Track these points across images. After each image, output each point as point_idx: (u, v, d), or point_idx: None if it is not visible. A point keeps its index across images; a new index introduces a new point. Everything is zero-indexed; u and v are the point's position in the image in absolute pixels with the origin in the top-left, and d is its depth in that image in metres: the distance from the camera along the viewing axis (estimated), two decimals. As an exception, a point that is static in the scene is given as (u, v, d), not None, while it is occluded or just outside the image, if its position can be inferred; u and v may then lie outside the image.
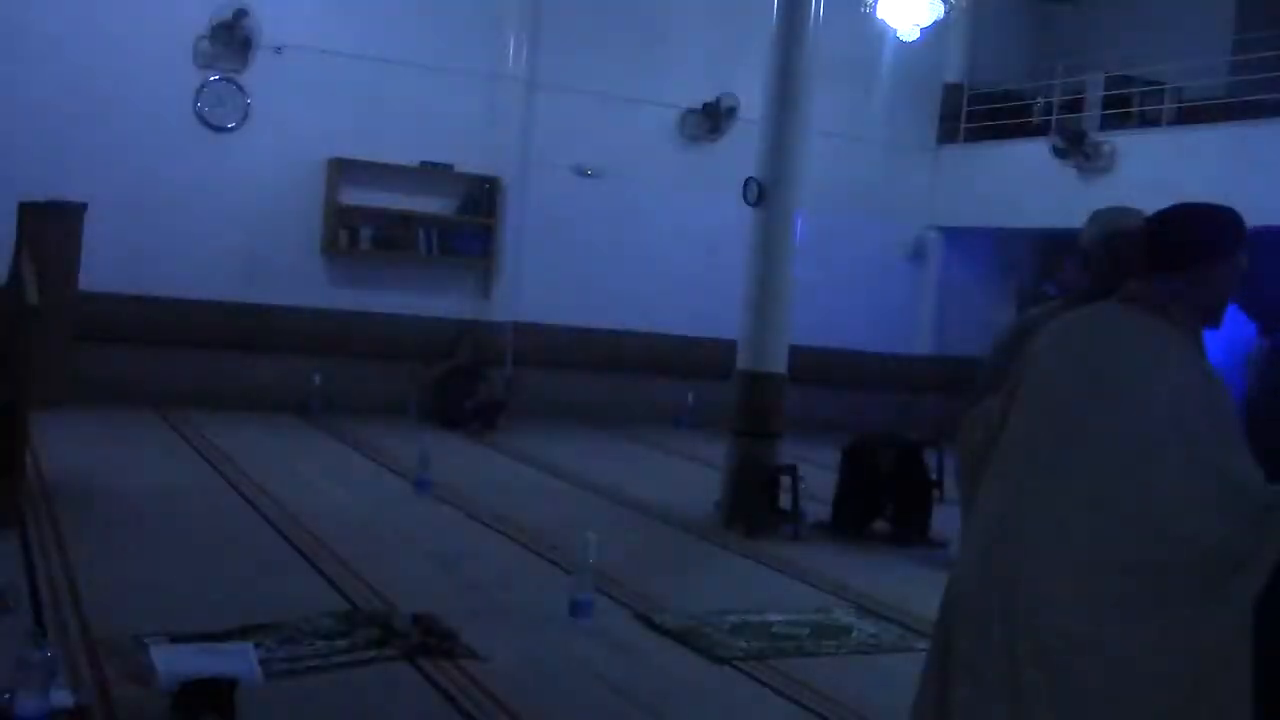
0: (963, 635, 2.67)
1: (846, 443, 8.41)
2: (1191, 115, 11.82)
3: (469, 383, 11.34)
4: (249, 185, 10.87)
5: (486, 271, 11.82)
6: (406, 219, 11.47)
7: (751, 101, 9.59)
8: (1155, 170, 11.23)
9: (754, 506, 7.81)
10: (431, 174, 11.53)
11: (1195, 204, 2.83)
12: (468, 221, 11.71)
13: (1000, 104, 13.46)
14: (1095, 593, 2.52)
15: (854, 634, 5.62)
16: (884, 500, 8.13)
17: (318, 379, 11.09)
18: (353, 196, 11.24)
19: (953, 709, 2.67)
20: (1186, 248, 2.75)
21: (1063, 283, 3.73)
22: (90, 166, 9.98)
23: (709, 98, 12.46)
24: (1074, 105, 12.96)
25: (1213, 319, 2.75)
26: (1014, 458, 2.71)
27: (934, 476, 8.44)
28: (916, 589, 6.16)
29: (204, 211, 10.69)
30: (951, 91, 13.77)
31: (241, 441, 9.27)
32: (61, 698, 3.68)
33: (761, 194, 8.13)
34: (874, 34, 12.35)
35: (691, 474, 9.86)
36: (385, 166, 11.26)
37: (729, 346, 8.60)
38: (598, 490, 8.79)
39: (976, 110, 13.52)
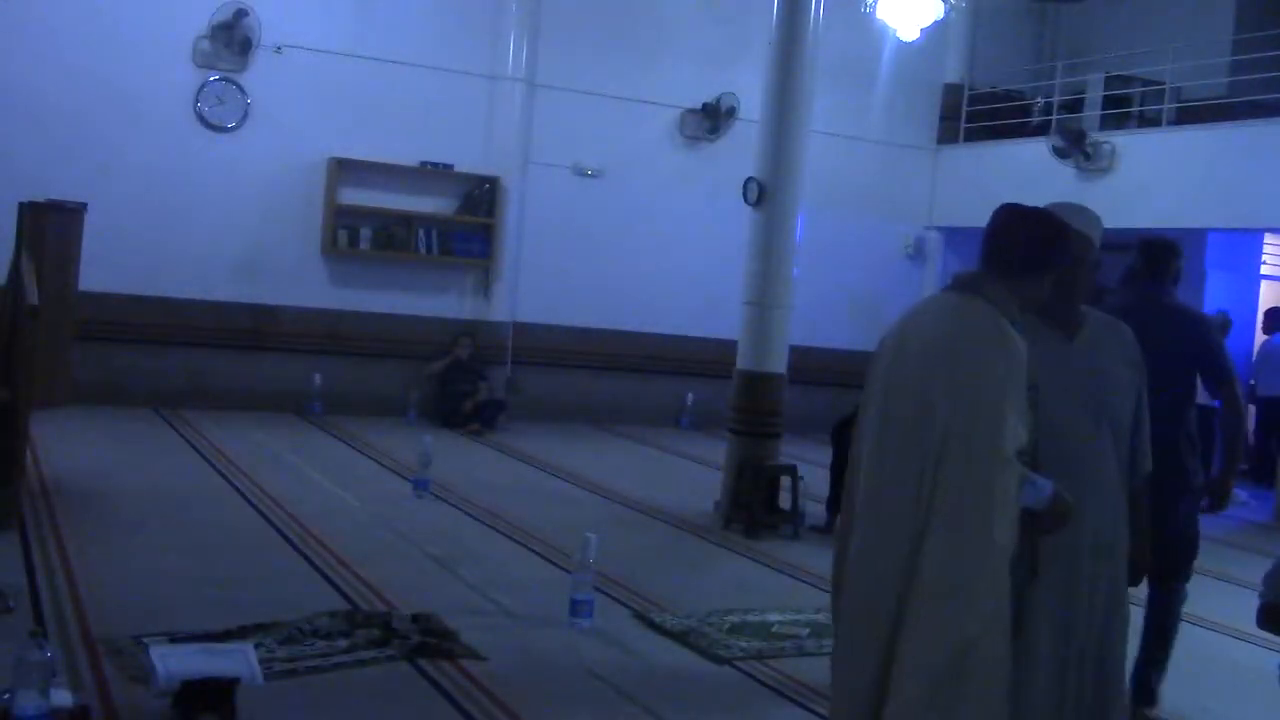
0: (854, 603, 3.11)
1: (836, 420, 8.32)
2: (1191, 115, 11.81)
3: (469, 382, 11.34)
4: (249, 185, 10.87)
5: (486, 271, 11.82)
6: (406, 219, 11.47)
7: (751, 101, 9.60)
8: (1155, 170, 11.24)
9: (754, 506, 7.81)
10: (431, 174, 11.54)
11: (1035, 212, 3.15)
12: (468, 221, 11.71)
13: (1000, 104, 13.46)
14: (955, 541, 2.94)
15: (854, 634, 5.61)
16: None
17: (318, 379, 11.10)
18: (353, 196, 11.24)
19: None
20: (1016, 257, 3.09)
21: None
22: (90, 166, 9.99)
23: (709, 98, 12.46)
24: (1074, 105, 12.96)
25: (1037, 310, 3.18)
26: (874, 436, 3.11)
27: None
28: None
29: (204, 211, 10.69)
30: (951, 91, 13.77)
31: (241, 441, 9.28)
32: (61, 698, 3.67)
33: (761, 194, 8.13)
34: (874, 34, 12.35)
35: (691, 474, 9.87)
36: (385, 166, 11.26)
37: (729, 346, 8.61)
38: (598, 490, 8.79)
39: (976, 110, 13.52)
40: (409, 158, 11.40)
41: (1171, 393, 4.44)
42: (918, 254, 13.87)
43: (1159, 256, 4.84)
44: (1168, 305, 4.78)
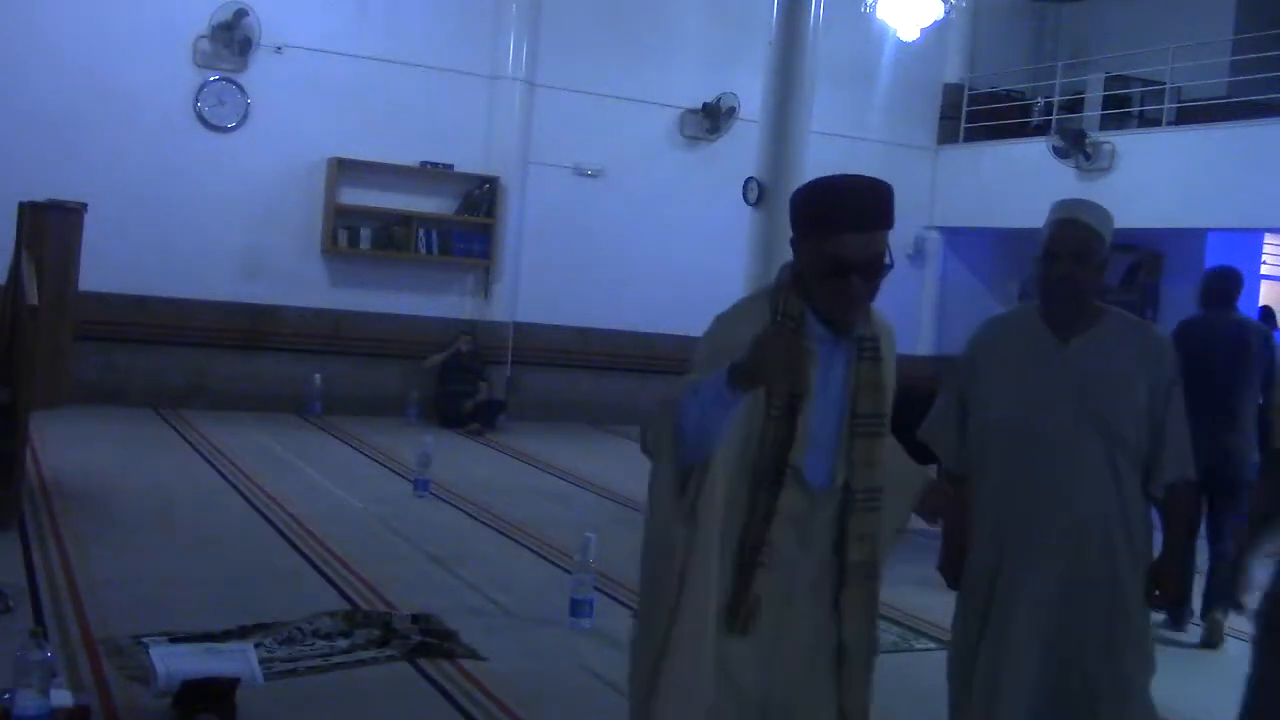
0: None
1: None
2: (1191, 115, 11.82)
3: (469, 382, 11.35)
4: (249, 185, 10.87)
5: (486, 271, 11.82)
6: (406, 219, 11.47)
7: (751, 101, 9.61)
8: (1155, 170, 11.25)
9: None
10: (431, 174, 11.54)
11: (838, 176, 2.51)
12: (468, 221, 11.71)
13: (1000, 104, 13.46)
14: None
15: (854, 634, 5.60)
16: None
17: (318, 379, 11.10)
18: (353, 196, 11.24)
19: None
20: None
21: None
22: (90, 166, 9.98)
23: (709, 98, 12.46)
24: (1074, 105, 12.96)
25: (829, 313, 2.45)
26: None
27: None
28: (914, 589, 6.15)
29: (204, 211, 10.69)
30: (951, 91, 13.78)
31: (241, 441, 9.28)
32: (61, 698, 3.68)
33: (761, 194, 8.14)
34: (874, 34, 12.36)
35: (691, 474, 9.84)
36: (385, 166, 11.26)
37: (729, 346, 8.59)
38: (598, 490, 8.79)
39: (976, 110, 13.52)
40: (409, 158, 11.40)
41: (1252, 397, 5.86)
42: (918, 254, 13.86)
43: (1230, 282, 6.09)
44: (1239, 320, 6.07)
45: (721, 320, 2.50)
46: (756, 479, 2.41)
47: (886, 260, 2.41)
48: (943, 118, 13.81)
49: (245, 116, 10.85)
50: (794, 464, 2.42)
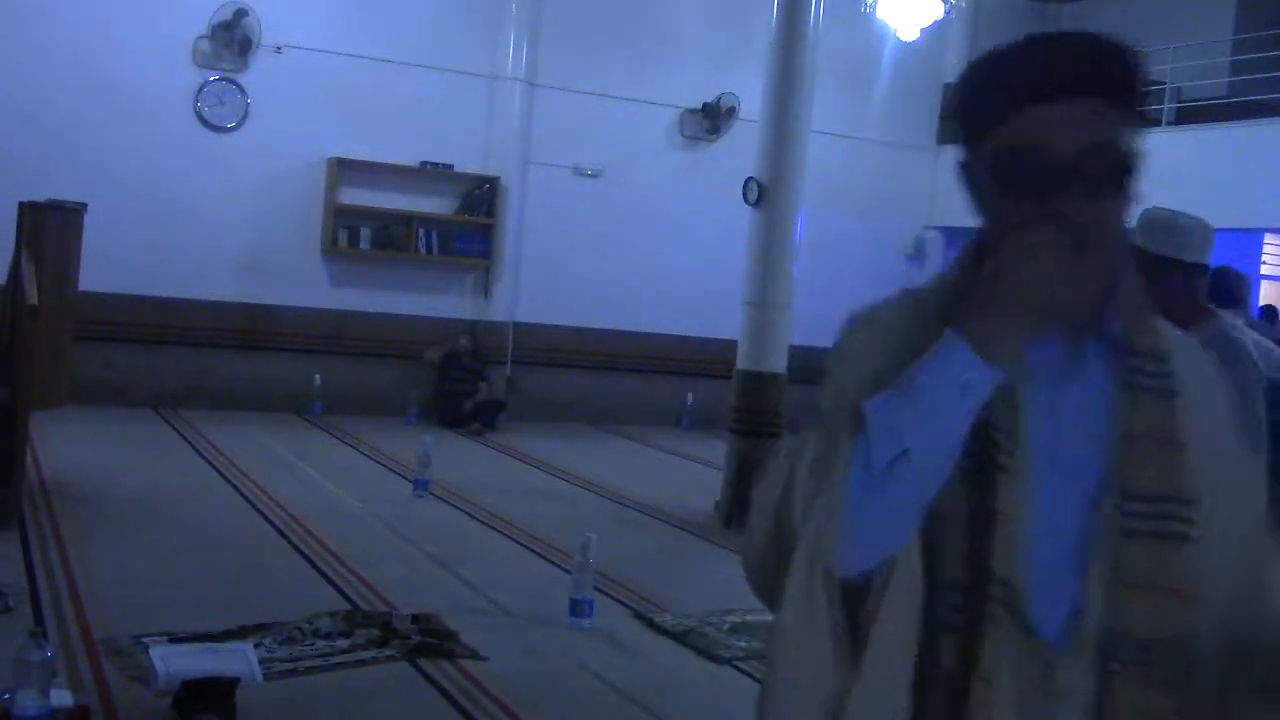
0: None
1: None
2: (1191, 115, 11.82)
3: (469, 383, 11.35)
4: (249, 185, 10.87)
5: (486, 271, 11.82)
6: (406, 219, 11.47)
7: (751, 101, 9.60)
8: (1155, 170, 11.18)
9: (754, 506, 7.78)
10: (431, 174, 11.54)
11: None
12: (468, 221, 11.71)
13: (1000, 104, 13.45)
14: None
15: (854, 634, 5.59)
16: None
17: (318, 379, 11.11)
18: (353, 196, 11.24)
19: None
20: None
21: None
22: (90, 166, 9.98)
23: (709, 98, 12.46)
24: (1074, 105, 12.96)
25: (1033, 279, 1.28)
26: None
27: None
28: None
29: (204, 211, 10.69)
30: (951, 91, 13.77)
31: (241, 441, 9.28)
32: (61, 698, 3.68)
33: (761, 194, 8.13)
34: (874, 34, 12.36)
35: (691, 474, 9.86)
36: (385, 166, 11.26)
37: (729, 346, 8.61)
38: (598, 490, 8.79)
39: (976, 110, 13.51)
40: (409, 158, 11.40)
41: None
42: (918, 254, 13.87)
43: (1233, 284, 5.69)
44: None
45: (855, 326, 1.56)
46: (936, 607, 1.30)
47: (1124, 151, 1.38)
48: (943, 117, 13.81)
49: (245, 116, 10.85)
50: (1005, 581, 1.30)
